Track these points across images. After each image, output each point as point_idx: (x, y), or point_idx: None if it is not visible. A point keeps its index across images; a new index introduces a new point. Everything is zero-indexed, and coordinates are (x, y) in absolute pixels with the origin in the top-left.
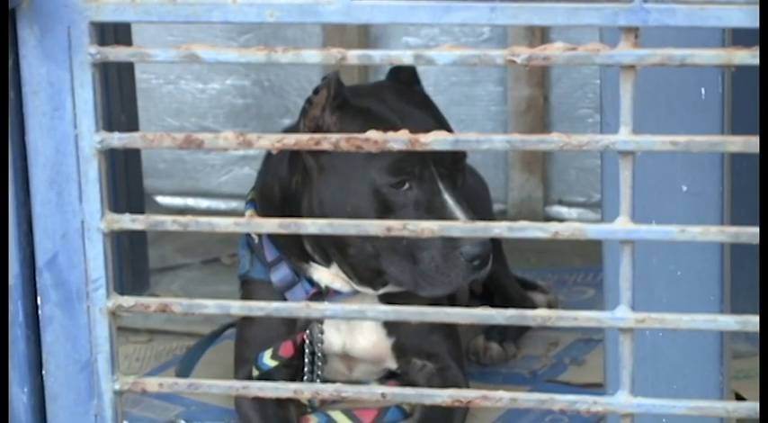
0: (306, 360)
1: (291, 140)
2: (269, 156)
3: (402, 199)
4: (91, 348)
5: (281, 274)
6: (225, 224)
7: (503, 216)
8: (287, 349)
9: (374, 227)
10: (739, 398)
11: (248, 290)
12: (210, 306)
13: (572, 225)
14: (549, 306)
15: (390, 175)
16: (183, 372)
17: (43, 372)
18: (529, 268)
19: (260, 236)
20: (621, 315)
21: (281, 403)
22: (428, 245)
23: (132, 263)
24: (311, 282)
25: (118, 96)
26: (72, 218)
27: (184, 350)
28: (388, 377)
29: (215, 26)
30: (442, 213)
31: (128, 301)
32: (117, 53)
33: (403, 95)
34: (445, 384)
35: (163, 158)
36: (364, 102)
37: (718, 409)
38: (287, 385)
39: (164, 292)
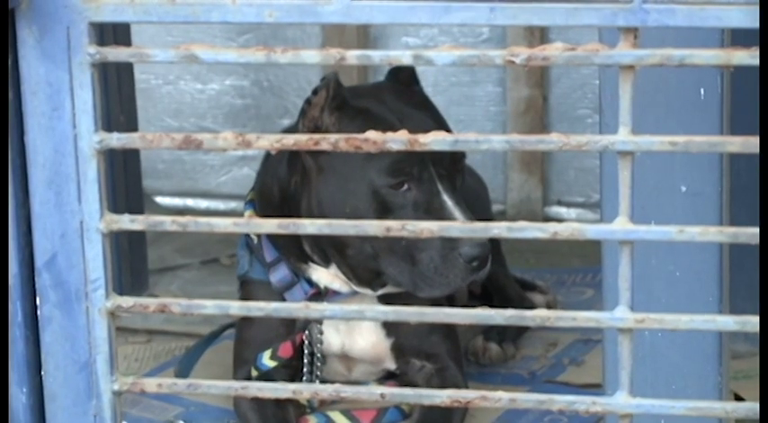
0: (305, 360)
1: (290, 141)
2: (268, 156)
3: (401, 200)
4: (90, 349)
5: (280, 274)
6: (224, 224)
7: (502, 216)
8: (286, 350)
9: (373, 227)
10: (738, 398)
11: (247, 290)
12: (209, 306)
13: (571, 225)
14: (548, 306)
15: (389, 175)
16: (182, 372)
17: (42, 372)
18: (528, 269)
19: (259, 236)
20: (620, 315)
21: (279, 404)
22: (427, 246)
23: (131, 263)
24: (310, 282)
25: (117, 97)
26: (71, 218)
27: (183, 350)
28: (387, 378)
29: (214, 26)
30: (440, 214)
31: (127, 301)
32: (116, 53)
33: (402, 96)
34: (444, 385)
35: (162, 159)
36: (363, 102)
37: (717, 410)
38: (286, 386)
39: (163, 292)
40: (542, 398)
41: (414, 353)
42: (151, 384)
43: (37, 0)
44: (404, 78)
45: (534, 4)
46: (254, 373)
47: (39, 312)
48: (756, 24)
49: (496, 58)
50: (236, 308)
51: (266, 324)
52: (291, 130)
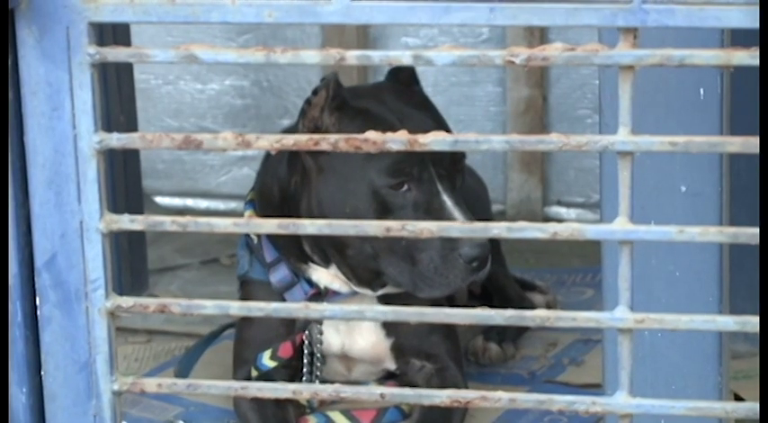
0: (305, 361)
1: (290, 141)
2: (268, 156)
3: (401, 200)
4: (90, 349)
5: (280, 274)
6: (224, 225)
7: (502, 217)
8: (286, 350)
9: (373, 227)
10: (738, 398)
11: (247, 290)
12: (209, 306)
13: (571, 225)
14: (548, 306)
15: (389, 176)
16: (182, 372)
17: (42, 372)
18: (528, 269)
19: (259, 236)
20: (620, 315)
21: (279, 404)
22: (427, 246)
23: (131, 263)
24: (310, 282)
25: (117, 97)
26: (71, 218)
27: (183, 351)
28: (387, 378)
29: (214, 27)
30: (440, 214)
31: (126, 301)
32: (116, 53)
33: (402, 96)
34: (444, 385)
35: (162, 159)
36: (363, 102)
37: (717, 410)
38: (286, 386)
39: (162, 292)
40: (542, 398)
41: (414, 353)
42: (151, 384)
43: (37, 0)
44: (404, 78)
45: (534, 5)
46: (254, 373)
47: (38, 312)
48: (756, 24)
49: (496, 58)
50: (236, 308)
51: (266, 324)
52: (291, 130)
